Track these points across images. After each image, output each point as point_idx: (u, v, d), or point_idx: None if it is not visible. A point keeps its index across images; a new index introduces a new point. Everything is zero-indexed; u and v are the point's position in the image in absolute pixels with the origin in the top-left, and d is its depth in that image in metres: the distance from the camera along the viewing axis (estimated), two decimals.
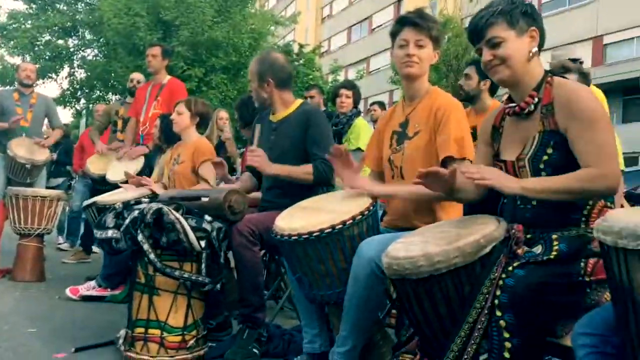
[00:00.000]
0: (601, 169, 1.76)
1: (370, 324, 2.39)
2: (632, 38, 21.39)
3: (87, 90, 20.17)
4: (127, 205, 2.88)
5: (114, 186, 4.55)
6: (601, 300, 1.72)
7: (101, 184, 5.17)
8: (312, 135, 3.08)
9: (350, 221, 2.36)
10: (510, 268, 1.72)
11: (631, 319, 1.31)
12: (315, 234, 2.34)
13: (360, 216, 2.39)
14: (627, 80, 20.48)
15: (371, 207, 2.47)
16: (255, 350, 2.90)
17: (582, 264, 1.73)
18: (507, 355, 1.66)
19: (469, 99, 3.84)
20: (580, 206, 1.85)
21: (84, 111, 20.93)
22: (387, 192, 2.55)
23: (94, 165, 5.44)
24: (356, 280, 2.27)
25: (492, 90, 3.88)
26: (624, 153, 4.23)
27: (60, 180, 7.66)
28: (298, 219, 2.49)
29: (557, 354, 2.00)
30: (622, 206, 2.76)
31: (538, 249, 1.77)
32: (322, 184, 3.11)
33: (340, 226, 2.34)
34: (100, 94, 20.01)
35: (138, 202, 2.93)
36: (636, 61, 20.76)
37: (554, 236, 1.79)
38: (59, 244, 7.56)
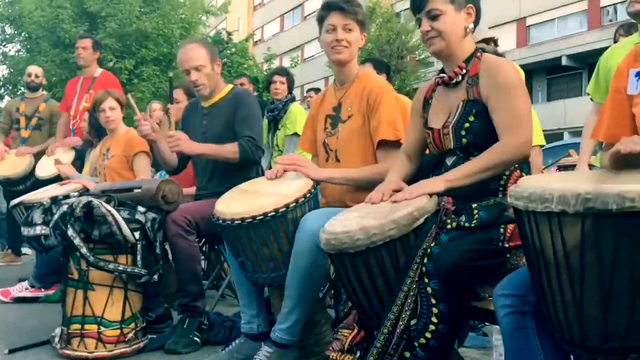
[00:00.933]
0: (512, 138, 1.88)
1: (312, 299, 2.44)
2: (554, 19, 22.31)
3: (10, 87, 19.27)
4: (56, 201, 2.80)
5: (26, 187, 4.39)
6: (519, 264, 1.83)
7: (8, 185, 4.98)
8: (239, 114, 3.09)
9: (294, 204, 2.38)
10: (437, 237, 1.81)
11: (544, 277, 1.40)
12: (259, 218, 2.34)
13: (303, 199, 2.42)
14: (550, 60, 21.39)
15: (312, 190, 2.50)
16: (196, 338, 2.90)
17: (500, 230, 1.84)
18: (434, 320, 1.74)
19: None
20: (498, 177, 1.95)
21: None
22: (326, 177, 2.53)
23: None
24: (299, 253, 2.31)
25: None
26: (548, 130, 4.45)
27: None
28: (239, 203, 2.49)
29: (481, 317, 2.11)
30: None
31: (462, 219, 1.86)
32: (249, 162, 3.10)
33: (283, 209, 2.36)
34: (24, 91, 19.13)
35: (66, 197, 2.85)
36: (558, 41, 21.68)
37: (474, 205, 1.88)
38: None
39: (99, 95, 3.85)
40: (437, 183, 1.95)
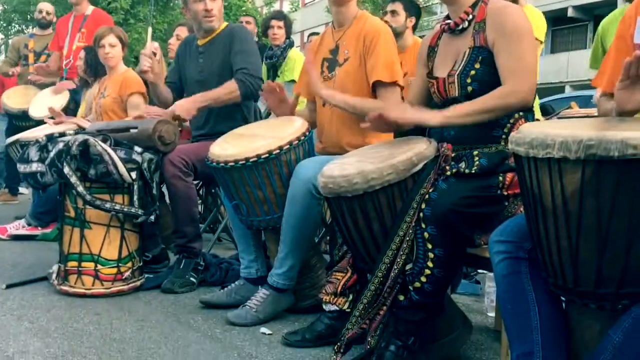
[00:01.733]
0: (514, 84, 1.84)
1: (306, 244, 2.46)
2: None
3: (4, 24, 18.89)
4: (52, 139, 2.78)
5: (35, 122, 4.35)
6: (517, 212, 1.83)
7: (20, 120, 4.93)
8: (235, 49, 3.03)
9: (287, 146, 2.38)
10: (436, 183, 1.80)
11: (540, 224, 1.40)
12: (252, 160, 2.35)
13: (297, 141, 2.41)
14: (555, 10, 20.92)
15: (307, 132, 2.49)
16: (192, 278, 2.94)
17: (500, 177, 1.83)
18: (430, 264, 1.76)
19: (394, 35, 3.83)
20: (501, 124, 1.93)
21: (2, 47, 19.64)
22: (328, 95, 2.46)
23: (11, 100, 5.13)
24: (293, 200, 2.31)
25: (414, 28, 3.90)
26: (550, 82, 4.38)
27: None
28: (234, 146, 2.48)
29: (475, 264, 2.13)
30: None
31: (462, 165, 1.85)
32: (251, 97, 3.07)
33: (277, 151, 2.36)
34: (19, 28, 18.77)
35: (62, 135, 2.82)
36: None
37: (475, 152, 1.87)
38: None
39: (100, 30, 3.75)
40: (434, 116, 1.92)
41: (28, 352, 2.03)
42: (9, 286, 2.82)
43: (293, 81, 4.84)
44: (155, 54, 2.96)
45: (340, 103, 2.44)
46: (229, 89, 2.96)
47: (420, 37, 3.77)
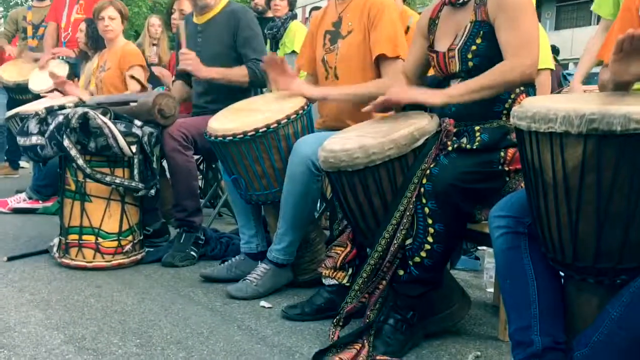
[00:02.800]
0: (518, 59, 1.82)
1: (306, 221, 2.46)
2: None
3: None
4: (51, 111, 2.76)
5: (34, 96, 4.32)
6: (517, 188, 1.83)
7: (18, 93, 4.90)
8: (242, 36, 3.01)
9: (285, 120, 2.37)
10: (438, 158, 1.79)
11: (541, 199, 1.40)
12: (250, 134, 2.34)
13: (295, 115, 2.40)
14: None
15: (305, 107, 2.47)
16: (192, 252, 2.95)
17: (501, 153, 1.83)
18: (430, 239, 1.76)
19: None
20: (502, 99, 1.91)
21: (2, 20, 19.45)
22: (322, 95, 2.52)
23: (7, 73, 5.09)
24: (292, 177, 2.31)
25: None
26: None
27: None
28: (232, 120, 2.47)
29: (475, 239, 2.14)
30: None
31: (463, 141, 1.84)
32: (257, 85, 3.08)
33: (275, 125, 2.35)
34: (18, 0, 18.57)
35: (62, 108, 2.80)
36: None
37: (477, 127, 1.86)
38: None
39: (100, 3, 3.71)
40: (437, 96, 1.91)
41: (29, 322, 2.04)
42: (10, 259, 2.83)
43: (294, 52, 4.80)
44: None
45: (338, 97, 2.45)
46: (239, 73, 3.00)
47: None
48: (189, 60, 2.94)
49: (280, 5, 5.03)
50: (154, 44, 5.34)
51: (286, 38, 4.98)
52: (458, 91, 1.89)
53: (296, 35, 4.86)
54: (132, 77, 3.58)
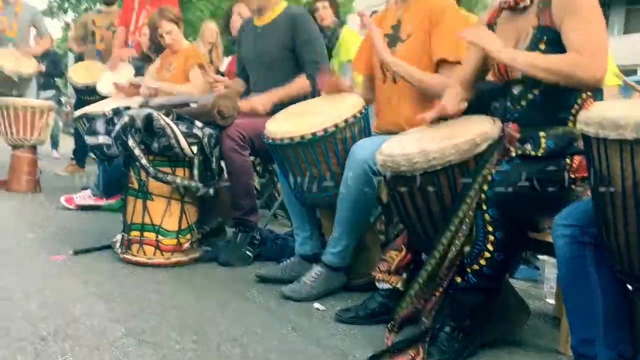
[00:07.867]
0: (587, 58, 1.73)
1: (361, 225, 2.45)
2: None
3: (73, 2, 19.51)
4: (118, 112, 2.86)
5: (101, 97, 4.49)
6: (583, 197, 1.76)
7: (86, 94, 5.10)
8: (300, 39, 3.03)
9: (343, 124, 2.37)
10: (499, 164, 1.75)
11: (608, 208, 1.35)
12: (308, 137, 2.35)
13: (353, 119, 2.40)
14: None
15: (363, 110, 2.47)
16: (248, 252, 2.99)
17: (567, 160, 1.76)
18: (490, 247, 1.72)
19: None
20: (568, 105, 1.85)
21: (73, 24, 20.33)
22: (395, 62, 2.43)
23: (76, 74, 5.32)
24: (348, 182, 2.30)
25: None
26: (622, 65, 4.14)
27: (50, 93, 7.54)
28: (290, 123, 2.49)
29: (537, 248, 2.08)
30: None
31: (527, 147, 1.79)
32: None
33: (333, 129, 2.35)
34: (88, 5, 19.33)
35: (127, 108, 2.90)
36: None
37: (542, 134, 1.80)
38: (55, 158, 7.56)
39: (152, 18, 3.85)
40: (504, 53, 1.84)
41: (93, 314, 2.12)
42: (76, 252, 2.95)
43: (350, 62, 4.77)
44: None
45: (405, 74, 2.39)
46: (301, 85, 3.01)
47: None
48: (247, 104, 2.99)
49: (324, 14, 4.93)
50: (209, 50, 5.45)
51: (340, 47, 4.91)
52: (524, 59, 1.81)
53: (350, 43, 4.78)
54: (195, 69, 3.68)
